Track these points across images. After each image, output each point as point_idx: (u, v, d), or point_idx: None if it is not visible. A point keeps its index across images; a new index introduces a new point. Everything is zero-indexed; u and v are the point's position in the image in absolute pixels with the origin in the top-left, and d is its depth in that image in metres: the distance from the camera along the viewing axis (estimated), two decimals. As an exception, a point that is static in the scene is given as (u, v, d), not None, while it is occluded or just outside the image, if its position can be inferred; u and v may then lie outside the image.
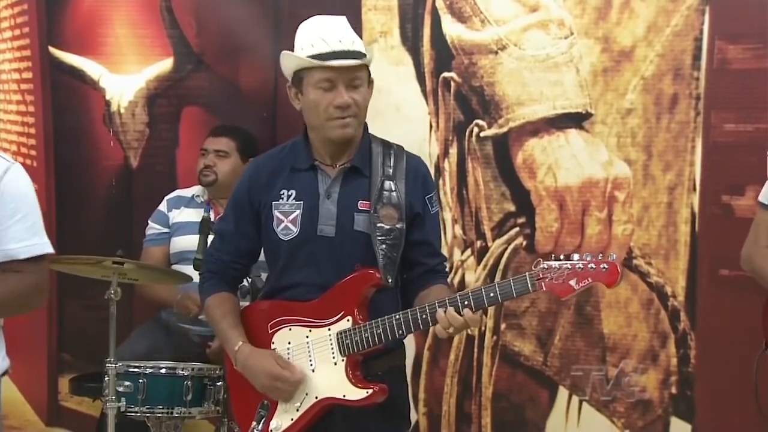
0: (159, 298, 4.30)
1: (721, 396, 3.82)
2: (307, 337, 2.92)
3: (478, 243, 4.25)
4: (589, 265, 2.65)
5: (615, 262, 2.64)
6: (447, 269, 3.07)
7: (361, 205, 2.92)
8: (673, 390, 3.99)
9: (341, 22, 2.95)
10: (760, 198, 3.26)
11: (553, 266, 2.67)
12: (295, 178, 2.98)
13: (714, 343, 3.90)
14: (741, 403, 3.48)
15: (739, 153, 3.85)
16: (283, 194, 2.97)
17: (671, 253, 3.97)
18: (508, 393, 4.27)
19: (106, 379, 3.70)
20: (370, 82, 2.97)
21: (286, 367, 2.90)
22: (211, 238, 3.81)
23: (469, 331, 4.27)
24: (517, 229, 4.21)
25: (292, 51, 2.94)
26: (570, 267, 2.66)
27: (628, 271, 4.03)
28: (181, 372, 3.78)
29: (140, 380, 3.74)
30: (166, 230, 4.35)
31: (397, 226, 2.90)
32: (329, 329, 2.89)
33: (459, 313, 2.73)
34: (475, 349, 4.29)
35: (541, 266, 2.68)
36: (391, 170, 2.95)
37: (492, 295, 2.71)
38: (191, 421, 3.96)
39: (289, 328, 2.96)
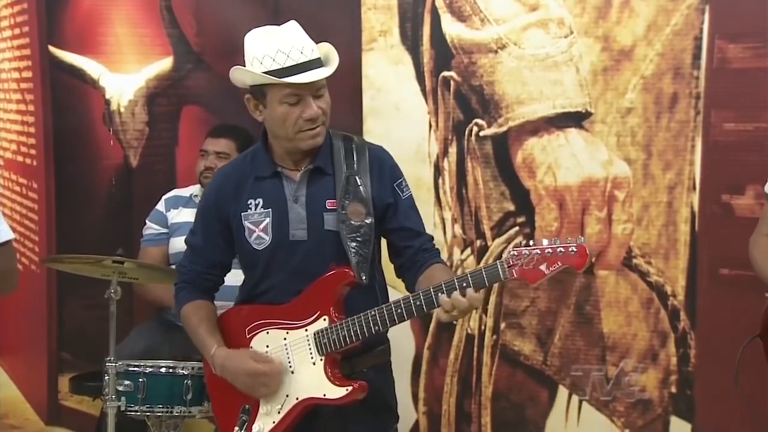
0: (156, 297, 4.30)
1: (721, 395, 3.81)
2: (285, 339, 2.93)
3: (478, 242, 4.25)
4: (558, 249, 2.66)
5: (583, 244, 2.65)
6: (435, 247, 3.04)
7: (329, 204, 2.93)
8: (673, 389, 3.99)
9: (295, 29, 2.93)
10: (766, 188, 3.29)
11: (524, 253, 2.67)
12: (260, 186, 2.98)
13: (714, 342, 3.89)
14: (741, 402, 3.48)
15: (739, 152, 3.84)
16: (250, 204, 2.97)
17: (671, 252, 3.97)
18: (508, 392, 4.27)
19: (106, 378, 3.70)
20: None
21: (262, 361, 2.91)
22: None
23: (468, 330, 4.28)
24: (516, 228, 4.21)
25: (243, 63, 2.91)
26: (539, 252, 2.66)
27: (628, 271, 4.03)
28: (181, 371, 3.78)
29: (140, 379, 3.74)
30: (164, 230, 4.35)
31: (366, 221, 2.90)
32: (306, 330, 2.90)
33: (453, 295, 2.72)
34: (475, 349, 4.29)
35: (512, 253, 2.69)
36: (354, 165, 2.94)
37: (465, 284, 2.70)
38: (191, 420, 3.96)
39: (266, 331, 2.96)
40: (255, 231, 2.96)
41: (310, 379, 2.89)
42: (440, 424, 4.33)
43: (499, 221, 4.24)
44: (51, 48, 4.96)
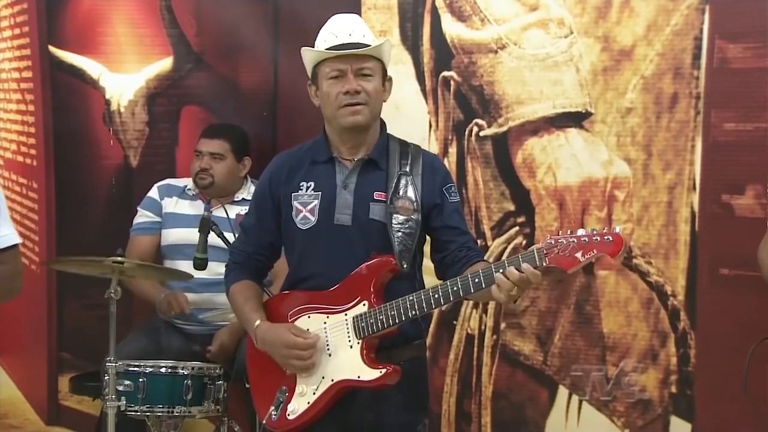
0: (143, 293, 4.26)
1: (721, 395, 3.82)
2: (325, 323, 3.02)
3: (478, 242, 4.25)
4: (594, 238, 2.71)
5: (620, 233, 2.70)
6: (478, 247, 3.14)
7: (377, 195, 3.04)
8: (673, 389, 3.99)
9: (354, 18, 3.09)
10: None
11: (560, 241, 2.73)
12: (314, 170, 3.10)
13: (714, 342, 3.89)
14: (741, 402, 3.48)
15: (739, 152, 3.84)
16: (302, 186, 3.09)
17: (671, 252, 3.97)
18: (508, 392, 4.27)
19: (106, 378, 3.70)
20: (388, 79, 3.10)
21: (299, 335, 2.99)
22: (211, 237, 3.82)
23: (468, 330, 4.28)
24: (516, 228, 4.21)
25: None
26: (576, 241, 2.72)
27: (628, 271, 4.03)
28: (181, 371, 3.79)
29: (140, 379, 3.75)
30: (158, 219, 4.32)
31: (413, 217, 3.01)
32: (346, 314, 2.99)
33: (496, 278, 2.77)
34: (475, 349, 4.29)
35: (548, 241, 2.75)
36: (408, 167, 3.06)
37: (502, 271, 2.76)
38: (191, 420, 3.96)
39: (308, 315, 3.06)
40: (302, 211, 3.07)
41: (346, 362, 2.97)
42: (440, 424, 4.33)
43: (499, 221, 4.24)
44: (51, 48, 4.96)
